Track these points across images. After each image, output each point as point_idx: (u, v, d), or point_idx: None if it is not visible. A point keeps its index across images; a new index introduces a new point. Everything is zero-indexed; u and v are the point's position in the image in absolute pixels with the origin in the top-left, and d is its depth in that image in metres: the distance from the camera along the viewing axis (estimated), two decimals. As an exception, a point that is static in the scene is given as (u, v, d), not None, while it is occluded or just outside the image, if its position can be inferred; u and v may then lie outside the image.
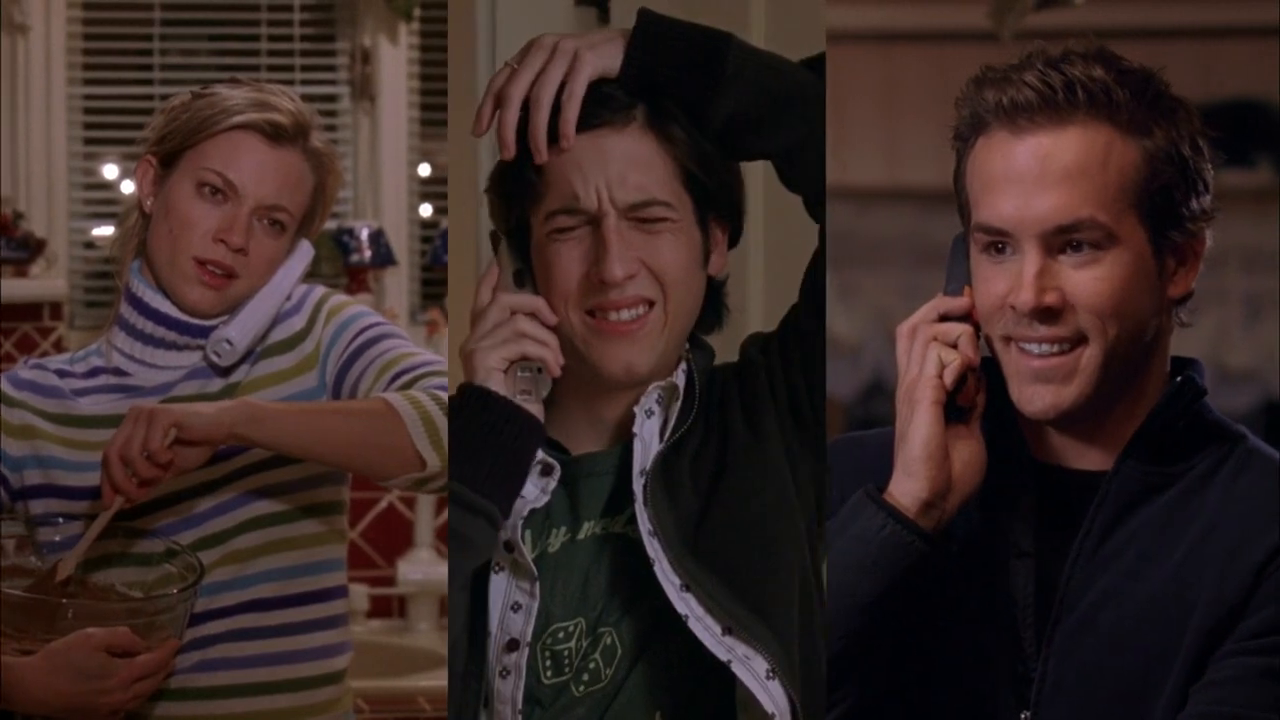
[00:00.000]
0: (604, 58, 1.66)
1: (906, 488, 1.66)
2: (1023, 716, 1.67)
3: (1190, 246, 1.67)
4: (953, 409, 1.67)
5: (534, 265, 1.72)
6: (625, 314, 1.70)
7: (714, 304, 1.78)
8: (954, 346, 1.68)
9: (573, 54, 1.66)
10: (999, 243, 1.66)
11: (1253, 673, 1.60)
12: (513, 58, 1.69)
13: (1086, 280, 1.64)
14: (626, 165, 1.69)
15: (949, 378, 1.67)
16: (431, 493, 2.03)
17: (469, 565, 1.70)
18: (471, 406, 1.68)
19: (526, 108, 1.67)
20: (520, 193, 1.71)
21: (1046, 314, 1.64)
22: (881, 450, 1.72)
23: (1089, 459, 1.70)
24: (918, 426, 1.66)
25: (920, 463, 1.65)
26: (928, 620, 1.68)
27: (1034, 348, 1.65)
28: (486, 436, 1.68)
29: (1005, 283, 1.66)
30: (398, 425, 1.92)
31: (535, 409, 1.70)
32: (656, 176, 1.70)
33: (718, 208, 1.75)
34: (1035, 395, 1.66)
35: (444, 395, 1.94)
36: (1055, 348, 1.65)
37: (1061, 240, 1.64)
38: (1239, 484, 1.67)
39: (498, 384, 1.69)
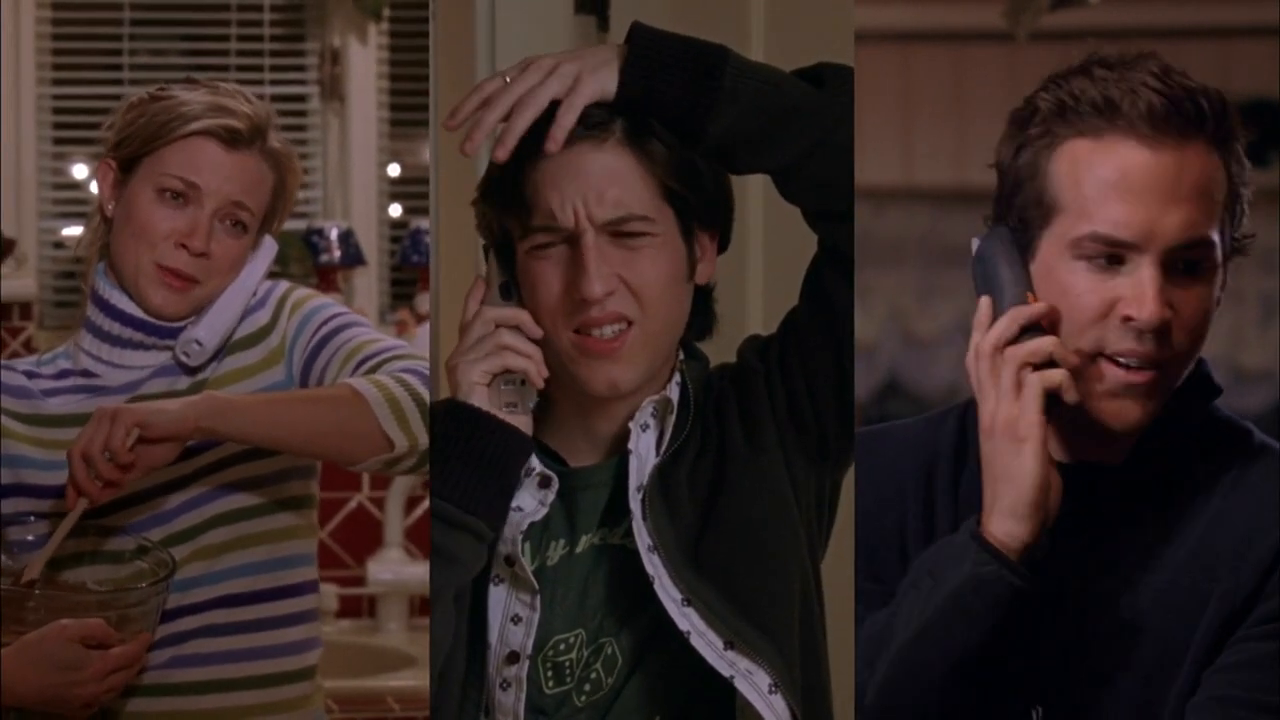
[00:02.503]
0: (602, 81, 1.64)
1: (1013, 530, 1.61)
2: (1035, 713, 1.66)
3: (1227, 271, 1.67)
4: None
5: (519, 280, 1.72)
6: (608, 330, 1.69)
7: (703, 311, 1.77)
8: (1047, 363, 1.62)
9: (574, 76, 1.64)
10: (1111, 254, 1.62)
11: (1263, 657, 1.60)
12: (508, 69, 1.67)
13: (1190, 299, 1.63)
14: (604, 181, 1.68)
15: (1070, 395, 1.62)
16: (402, 473, 2.03)
17: (454, 582, 1.70)
18: (454, 422, 1.69)
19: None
20: (504, 206, 1.71)
21: (1161, 328, 1.62)
22: (903, 445, 1.73)
23: (1102, 455, 1.69)
24: (1027, 467, 1.61)
25: (1030, 505, 1.61)
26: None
27: (1131, 361, 1.63)
28: (470, 453, 1.68)
29: (1113, 294, 1.62)
30: (363, 409, 1.92)
31: (522, 420, 1.70)
32: (635, 191, 1.68)
33: (703, 218, 1.73)
34: (1125, 410, 1.64)
35: (408, 378, 1.95)
36: (1148, 362, 1.63)
37: (1177, 258, 1.62)
38: (1248, 477, 1.67)
39: (480, 398, 1.69)
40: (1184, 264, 1.62)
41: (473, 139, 1.66)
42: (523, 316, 1.70)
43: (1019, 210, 1.67)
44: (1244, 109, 1.70)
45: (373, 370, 1.99)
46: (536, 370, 1.69)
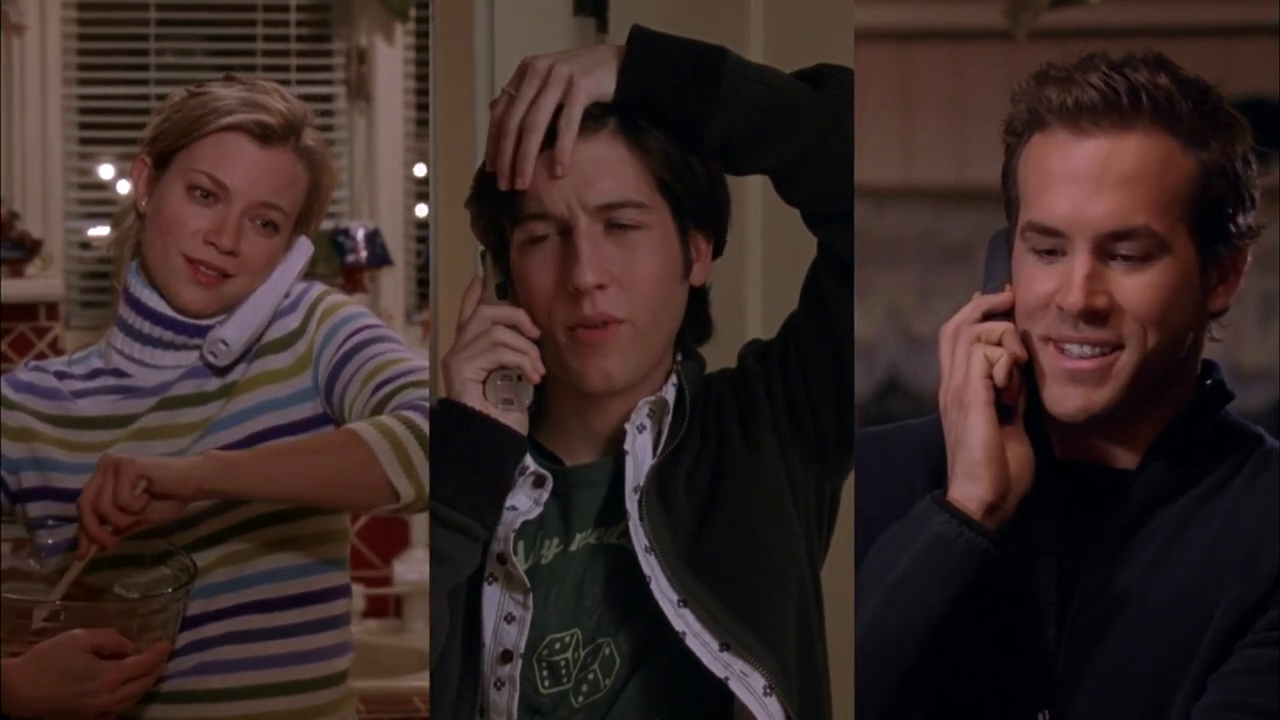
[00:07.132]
0: (599, 82, 1.65)
1: (970, 492, 1.64)
2: (1042, 715, 1.66)
3: (1233, 262, 1.67)
4: (999, 408, 1.66)
5: (514, 278, 1.72)
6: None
7: (698, 315, 1.77)
8: (998, 344, 1.67)
9: (567, 80, 1.64)
10: (1050, 243, 1.65)
11: (1269, 663, 1.60)
12: (508, 83, 1.68)
13: (1135, 286, 1.63)
14: (596, 170, 1.67)
15: (999, 375, 1.66)
16: (413, 513, 2.02)
17: (448, 582, 1.70)
18: (448, 422, 1.68)
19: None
20: (498, 203, 1.71)
21: (1093, 316, 1.63)
22: (912, 445, 1.73)
23: (1113, 458, 1.70)
24: (973, 429, 1.65)
25: (982, 465, 1.64)
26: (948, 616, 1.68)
27: (1072, 349, 1.65)
28: (462, 453, 1.67)
29: (1052, 282, 1.65)
30: (369, 458, 1.91)
31: (517, 418, 1.70)
32: (628, 181, 1.68)
33: (697, 217, 1.73)
34: (1066, 396, 1.66)
35: (416, 418, 1.93)
36: (1093, 350, 1.64)
37: (1112, 246, 1.63)
38: (1258, 483, 1.67)
39: (474, 395, 1.68)
40: (1122, 253, 1.63)
41: (503, 176, 1.67)
42: (519, 315, 1.70)
43: (1006, 208, 1.72)
44: (1243, 108, 1.70)
45: (389, 397, 1.97)
46: (532, 366, 1.69)
